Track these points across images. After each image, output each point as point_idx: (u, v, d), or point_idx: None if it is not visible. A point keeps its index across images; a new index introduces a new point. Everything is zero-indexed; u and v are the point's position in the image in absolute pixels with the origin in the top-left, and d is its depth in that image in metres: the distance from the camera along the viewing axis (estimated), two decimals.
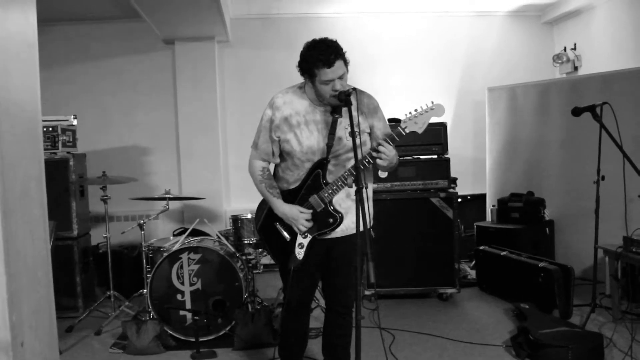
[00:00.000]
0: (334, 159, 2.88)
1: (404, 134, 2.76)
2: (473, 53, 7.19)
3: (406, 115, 2.77)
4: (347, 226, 2.92)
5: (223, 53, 6.97)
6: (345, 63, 2.76)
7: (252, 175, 3.08)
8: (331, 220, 2.89)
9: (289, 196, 2.97)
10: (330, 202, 2.88)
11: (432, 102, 2.75)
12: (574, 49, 6.73)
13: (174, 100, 6.86)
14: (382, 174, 3.02)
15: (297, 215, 2.88)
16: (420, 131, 2.78)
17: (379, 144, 2.72)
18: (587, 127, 4.78)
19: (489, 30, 7.22)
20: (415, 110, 2.76)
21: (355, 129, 2.79)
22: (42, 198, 2.02)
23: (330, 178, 2.88)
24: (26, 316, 1.78)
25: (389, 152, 2.71)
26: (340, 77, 2.73)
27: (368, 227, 2.81)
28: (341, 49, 2.75)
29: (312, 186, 2.90)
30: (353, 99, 2.78)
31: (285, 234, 2.97)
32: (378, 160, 2.72)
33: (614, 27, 6.08)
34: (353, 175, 2.72)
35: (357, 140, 2.64)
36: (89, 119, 6.49)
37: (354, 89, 2.82)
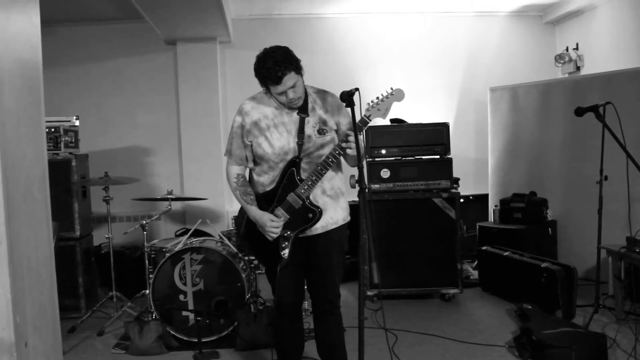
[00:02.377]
0: (305, 157, 2.93)
1: (369, 121, 2.83)
2: (475, 53, 7.18)
3: (368, 104, 2.84)
4: (327, 222, 2.98)
5: (225, 53, 6.97)
6: (297, 71, 2.80)
7: (229, 182, 3.14)
8: (310, 215, 2.92)
9: (266, 199, 2.99)
10: (308, 197, 2.91)
11: (392, 88, 2.85)
12: (576, 48, 6.72)
13: (175, 101, 6.86)
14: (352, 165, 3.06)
15: (266, 222, 2.91)
16: (384, 117, 2.90)
17: (347, 135, 2.76)
18: (589, 127, 4.77)
19: (491, 30, 7.22)
20: (377, 97, 2.85)
21: (323, 127, 2.94)
22: (46, 199, 2.03)
23: (304, 175, 2.92)
24: (30, 317, 1.78)
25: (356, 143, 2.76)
26: (293, 86, 2.79)
27: (342, 222, 3.00)
28: (289, 60, 2.77)
29: (287, 185, 2.94)
30: (316, 99, 2.96)
31: (268, 236, 2.97)
32: (348, 150, 2.77)
33: (616, 26, 6.08)
34: (326, 168, 2.83)
35: (321, 139, 2.88)
36: (91, 120, 6.49)
37: (316, 91, 2.99)
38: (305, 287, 3.27)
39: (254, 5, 6.71)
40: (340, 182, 3.12)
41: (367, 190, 2.50)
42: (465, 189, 6.46)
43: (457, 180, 5.43)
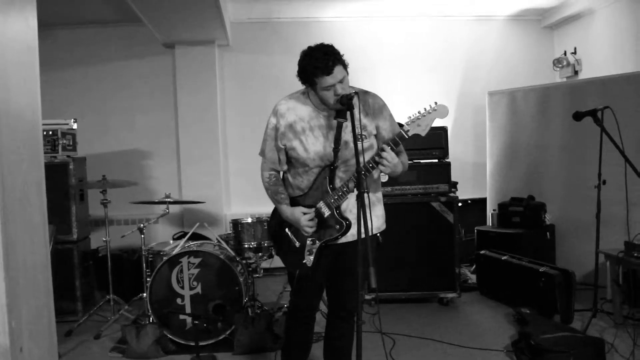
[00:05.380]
0: (343, 164, 2.84)
1: (407, 137, 2.71)
2: (473, 57, 7.19)
3: (409, 117, 2.71)
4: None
5: (223, 57, 6.97)
6: (344, 66, 2.72)
7: (262, 181, 3.09)
8: (338, 227, 2.83)
9: (296, 203, 2.95)
10: (338, 207, 2.83)
11: (436, 103, 2.70)
12: (574, 53, 6.73)
13: (174, 104, 6.86)
14: (384, 178, 2.98)
15: (300, 216, 2.86)
16: (423, 134, 2.71)
17: (382, 149, 2.67)
18: (588, 131, 4.76)
19: (489, 34, 7.23)
20: (418, 112, 2.70)
21: (363, 132, 2.79)
22: (42, 203, 2.02)
23: (338, 183, 2.84)
24: (25, 322, 1.77)
25: (390, 159, 2.66)
26: (341, 81, 2.68)
27: (372, 233, 2.77)
28: (338, 54, 2.71)
29: (318, 192, 2.87)
30: (357, 101, 2.75)
31: (295, 241, 2.95)
32: (380, 167, 2.68)
33: (614, 31, 6.09)
34: (355, 180, 2.66)
35: (360, 145, 2.61)
36: (89, 122, 6.47)
37: (357, 91, 2.78)
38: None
39: (252, 9, 6.72)
40: (379, 188, 3.03)
41: (365, 193, 2.46)
42: (464, 192, 6.47)
43: (455, 184, 5.42)
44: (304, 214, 2.86)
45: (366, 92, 2.94)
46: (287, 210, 2.93)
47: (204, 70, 6.76)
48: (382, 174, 2.79)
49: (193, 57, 6.73)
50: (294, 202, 2.98)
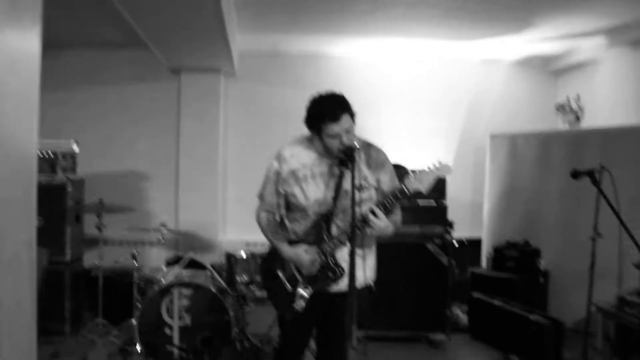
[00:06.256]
0: (341, 213, 2.83)
1: (407, 193, 2.70)
2: (477, 98, 7.24)
3: (411, 173, 2.71)
4: None
5: (229, 85, 7.02)
6: (352, 117, 2.75)
7: (258, 223, 3.09)
8: (331, 274, 2.84)
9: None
10: (333, 256, 2.84)
11: (439, 162, 2.71)
12: (578, 99, 6.77)
13: (176, 130, 6.88)
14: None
15: (302, 255, 2.86)
16: (425, 191, 2.71)
17: (372, 211, 2.67)
18: (586, 181, 4.77)
19: (494, 76, 7.28)
20: (422, 169, 2.70)
21: (363, 182, 2.81)
22: (32, 263, 2.03)
23: (335, 231, 2.84)
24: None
25: (379, 223, 2.67)
26: (347, 131, 2.71)
27: (365, 284, 2.83)
28: (348, 103, 2.75)
29: (314, 239, 2.87)
30: (361, 153, 2.79)
31: (287, 285, 2.94)
32: (368, 230, 2.69)
33: (617, 82, 6.14)
34: (354, 232, 2.64)
35: (359, 196, 2.63)
36: (90, 142, 6.45)
37: (361, 144, 2.81)
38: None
39: (260, 40, 6.77)
40: (372, 240, 3.02)
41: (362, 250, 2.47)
42: (461, 231, 6.46)
43: (451, 224, 5.44)
44: (306, 251, 2.86)
45: (370, 145, 2.96)
46: (289, 250, 2.92)
47: (209, 98, 6.80)
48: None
49: (198, 84, 6.77)
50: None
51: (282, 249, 2.95)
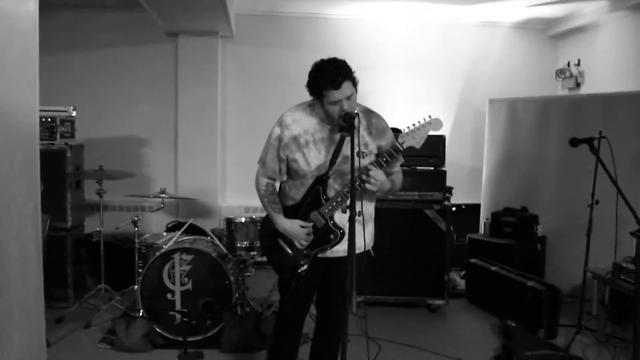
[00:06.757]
0: (339, 177, 2.88)
1: (402, 149, 2.74)
2: (476, 62, 7.22)
3: (403, 130, 2.74)
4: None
5: (226, 48, 6.98)
6: (354, 84, 2.76)
7: (257, 190, 3.12)
8: (332, 236, 2.90)
9: (291, 212, 3.00)
10: (332, 217, 2.89)
11: (430, 117, 2.74)
12: (578, 64, 6.76)
13: (174, 94, 6.86)
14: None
15: (298, 230, 2.92)
16: (418, 146, 2.75)
17: (368, 168, 2.71)
18: (585, 147, 4.80)
19: (493, 40, 7.25)
20: (413, 124, 2.73)
21: (364, 150, 2.83)
22: (38, 234, 2.05)
23: (331, 194, 2.89)
24: (18, 349, 1.81)
25: (378, 177, 2.71)
26: (348, 98, 2.73)
27: (364, 249, 2.87)
28: (350, 70, 2.75)
29: (312, 202, 2.92)
30: (362, 119, 2.81)
31: (288, 250, 2.99)
32: (367, 185, 2.71)
33: (618, 47, 6.11)
34: (347, 197, 2.72)
35: (358, 162, 2.62)
36: (88, 108, 6.43)
37: (362, 110, 2.83)
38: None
39: (257, 2, 6.71)
40: (372, 207, 3.07)
41: (358, 217, 2.50)
42: (459, 196, 6.53)
43: (450, 190, 5.47)
44: (302, 227, 2.91)
45: (371, 112, 2.98)
46: (285, 223, 2.96)
47: (207, 61, 6.77)
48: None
49: (196, 47, 6.73)
50: (286, 210, 3.03)
51: (278, 221, 2.99)
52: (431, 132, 2.76)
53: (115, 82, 6.88)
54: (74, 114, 5.31)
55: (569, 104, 6.03)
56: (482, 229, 6.45)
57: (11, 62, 1.87)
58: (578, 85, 6.76)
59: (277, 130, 2.98)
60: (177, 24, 6.39)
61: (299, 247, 2.95)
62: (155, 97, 6.94)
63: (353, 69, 2.79)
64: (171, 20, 6.24)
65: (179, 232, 4.94)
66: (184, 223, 5.11)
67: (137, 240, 4.82)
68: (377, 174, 2.71)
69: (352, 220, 2.46)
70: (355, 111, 2.70)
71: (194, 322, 4.28)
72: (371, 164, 2.75)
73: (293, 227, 2.93)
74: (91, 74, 6.85)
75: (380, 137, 2.94)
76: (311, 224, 2.92)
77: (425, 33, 7.16)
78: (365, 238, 2.78)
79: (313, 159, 2.90)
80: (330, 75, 2.70)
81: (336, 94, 2.70)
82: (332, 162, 2.86)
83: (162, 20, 6.24)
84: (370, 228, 3.06)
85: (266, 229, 3.14)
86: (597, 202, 4.42)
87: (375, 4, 6.62)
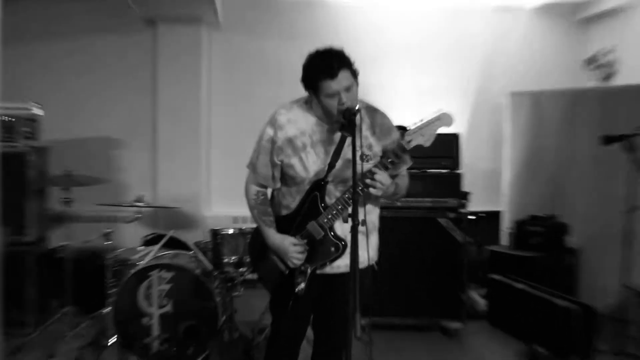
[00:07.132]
0: (340, 183, 2.82)
1: (408, 148, 2.67)
2: (493, 52, 7.14)
3: (409, 127, 2.67)
4: None
5: (212, 37, 6.94)
6: (354, 74, 2.69)
7: (246, 198, 3.06)
8: (333, 248, 2.81)
9: (285, 223, 2.91)
10: (331, 228, 2.80)
11: (439, 111, 2.67)
12: (611, 52, 6.65)
13: (152, 89, 6.78)
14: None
15: (289, 247, 2.83)
16: (426, 144, 2.67)
17: (372, 171, 2.65)
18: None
19: (513, 27, 7.17)
20: (420, 120, 2.66)
21: (367, 152, 2.76)
22: None
23: (330, 202, 2.80)
24: None
25: (384, 180, 2.65)
26: (347, 90, 2.64)
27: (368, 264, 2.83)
28: (348, 58, 2.69)
29: (308, 212, 2.83)
30: (365, 117, 2.77)
31: (282, 266, 2.90)
32: (371, 190, 2.66)
33: None
34: (348, 205, 2.65)
35: (362, 167, 2.58)
36: (54, 105, 6.30)
37: (364, 106, 2.78)
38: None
39: None
40: (376, 216, 3.01)
41: (360, 226, 2.38)
42: (477, 203, 6.40)
43: (466, 195, 5.38)
44: (294, 244, 2.82)
45: (375, 109, 2.93)
46: (276, 238, 2.89)
47: (189, 52, 6.71)
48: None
49: (177, 36, 6.67)
50: (279, 221, 2.95)
51: (268, 235, 2.92)
52: (442, 130, 2.68)
53: (85, 76, 6.80)
54: (39, 112, 5.22)
55: (600, 97, 5.97)
56: (504, 240, 6.34)
57: None
58: (611, 75, 6.66)
59: (270, 131, 2.90)
60: (155, 9, 6.36)
61: (292, 266, 2.86)
62: (131, 92, 6.86)
63: (354, 59, 2.72)
64: (148, 4, 6.17)
65: (158, 246, 4.81)
66: (163, 236, 4.98)
67: (108, 256, 4.74)
68: (383, 177, 2.66)
69: (354, 230, 2.34)
70: (357, 107, 2.65)
71: (174, 349, 4.17)
72: (375, 165, 2.69)
73: (284, 243, 2.85)
74: (58, 67, 6.77)
75: (386, 138, 2.89)
76: (304, 241, 2.83)
77: (436, 20, 7.09)
78: (369, 251, 2.73)
79: (311, 164, 2.83)
80: (325, 64, 2.63)
81: (333, 85, 2.63)
82: (331, 165, 2.79)
83: (138, 4, 6.16)
84: (374, 240, 3.00)
85: (257, 242, 3.04)
86: (635, 208, 4.32)
87: None
